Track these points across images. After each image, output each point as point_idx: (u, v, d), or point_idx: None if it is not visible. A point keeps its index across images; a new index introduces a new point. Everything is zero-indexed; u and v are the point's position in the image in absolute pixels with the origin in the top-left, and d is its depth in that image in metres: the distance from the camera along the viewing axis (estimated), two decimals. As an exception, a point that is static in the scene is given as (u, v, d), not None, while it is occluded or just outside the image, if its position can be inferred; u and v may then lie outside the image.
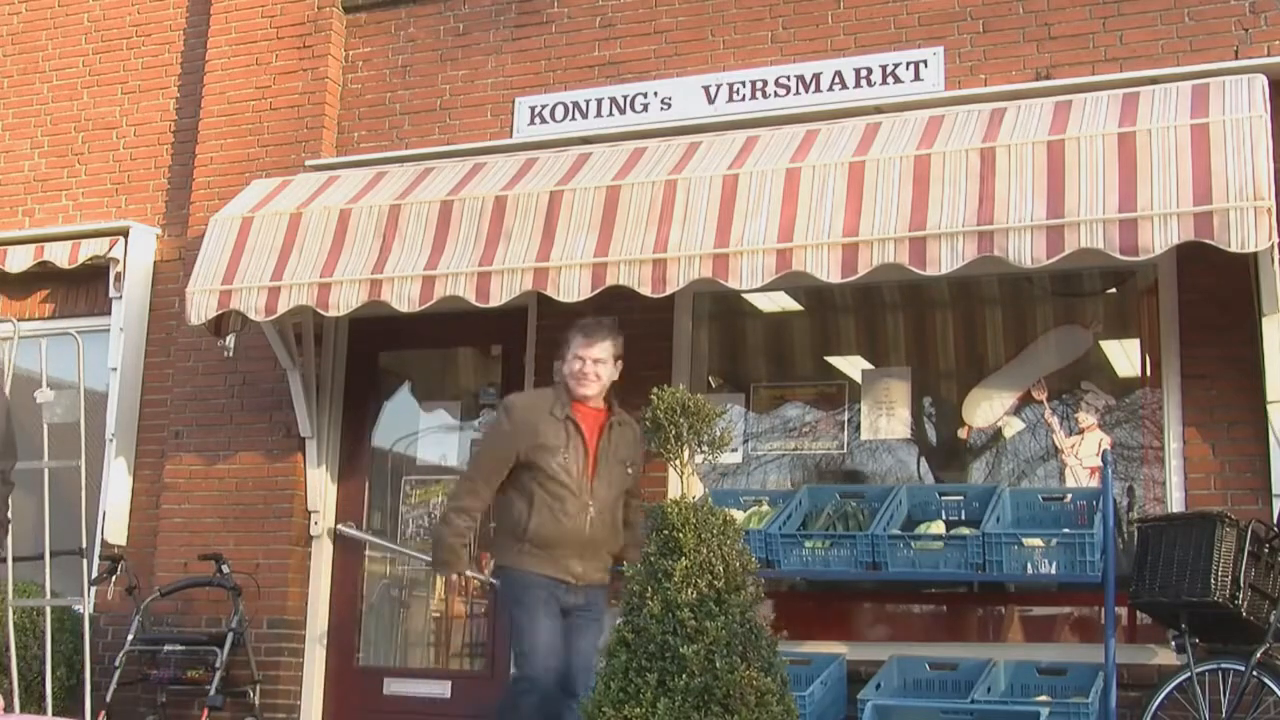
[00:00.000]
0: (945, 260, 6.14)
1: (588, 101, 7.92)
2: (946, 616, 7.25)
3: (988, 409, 7.21)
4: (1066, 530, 6.28)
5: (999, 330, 7.40)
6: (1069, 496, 6.67)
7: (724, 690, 4.67)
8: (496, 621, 7.81)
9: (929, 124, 6.68)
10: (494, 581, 7.63)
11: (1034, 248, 6.02)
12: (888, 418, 7.33)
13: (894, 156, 6.43)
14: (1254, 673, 5.76)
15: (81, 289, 9.27)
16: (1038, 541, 6.21)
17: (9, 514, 6.27)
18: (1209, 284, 6.62)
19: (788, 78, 7.52)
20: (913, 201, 6.28)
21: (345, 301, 7.20)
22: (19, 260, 9.08)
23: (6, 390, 6.92)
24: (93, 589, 8.00)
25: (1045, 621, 7.04)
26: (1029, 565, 6.20)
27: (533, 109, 8.06)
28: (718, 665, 4.70)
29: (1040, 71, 7.10)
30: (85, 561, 7.57)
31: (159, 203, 9.20)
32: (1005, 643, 6.94)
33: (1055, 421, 7.07)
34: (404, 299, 7.07)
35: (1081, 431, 7.01)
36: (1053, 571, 6.19)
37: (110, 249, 8.89)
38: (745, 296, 7.56)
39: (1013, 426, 7.16)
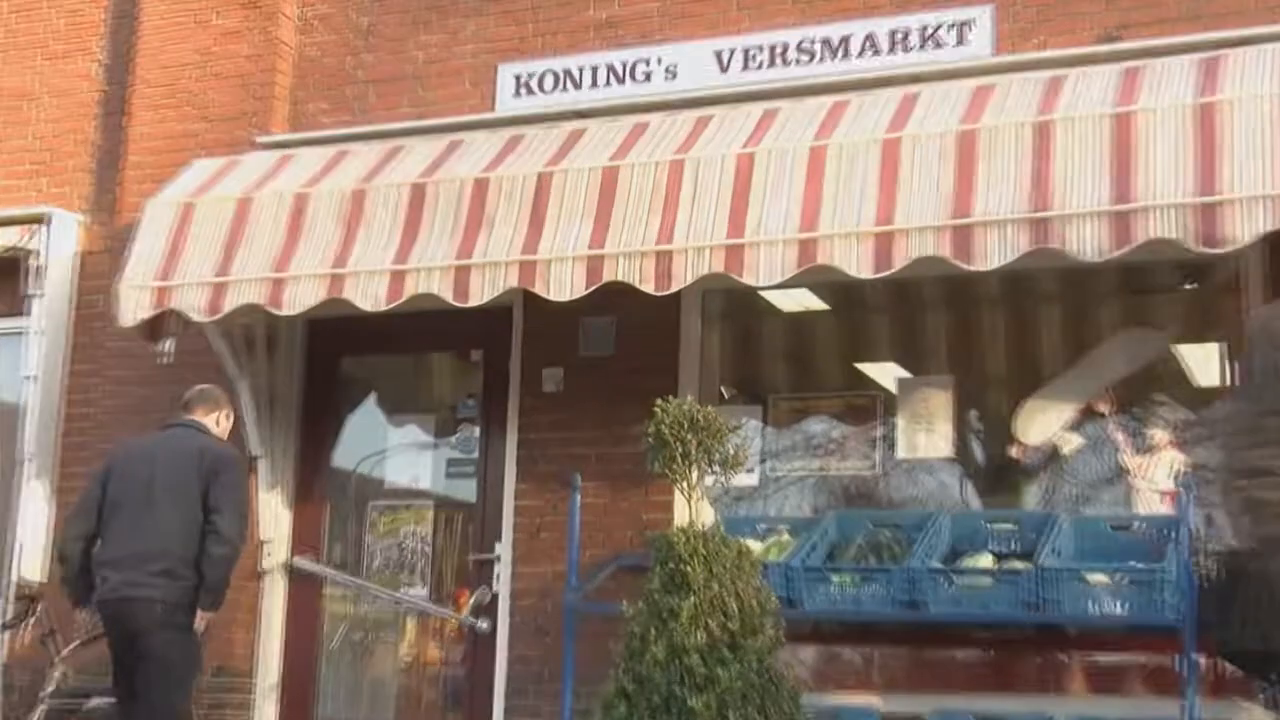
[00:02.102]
0: (994, 253, 6.19)
1: (581, 69, 7.99)
2: (996, 664, 7.29)
3: (1044, 424, 7.26)
4: (1137, 564, 6.32)
5: (1056, 333, 7.46)
6: (1139, 525, 6.72)
7: (739, 748, 4.74)
8: (476, 669, 7.88)
9: (975, 95, 6.74)
10: (474, 622, 7.74)
11: (1098, 238, 6.07)
12: (927, 433, 7.39)
13: (934, 133, 6.50)
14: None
15: (-10, 285, 9.34)
16: (1103, 577, 6.25)
17: None
18: (1301, 279, 6.68)
19: (812, 41, 7.60)
20: (956, 185, 6.34)
21: (301, 300, 7.28)
22: (-83, 253, 9.15)
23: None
24: (4, 634, 8.05)
25: (1112, 671, 7.07)
26: (1093, 605, 6.23)
27: (518, 78, 8.14)
28: None
29: (1107, 33, 7.15)
30: (-4, 602, 7.63)
31: (84, 185, 9.27)
32: (1065, 695, 6.97)
33: (1122, 438, 7.13)
34: (369, 297, 7.14)
35: (1153, 450, 7.06)
36: (1121, 612, 6.22)
37: (26, 239, 8.96)
38: (762, 294, 7.62)
39: (1073, 444, 7.22)
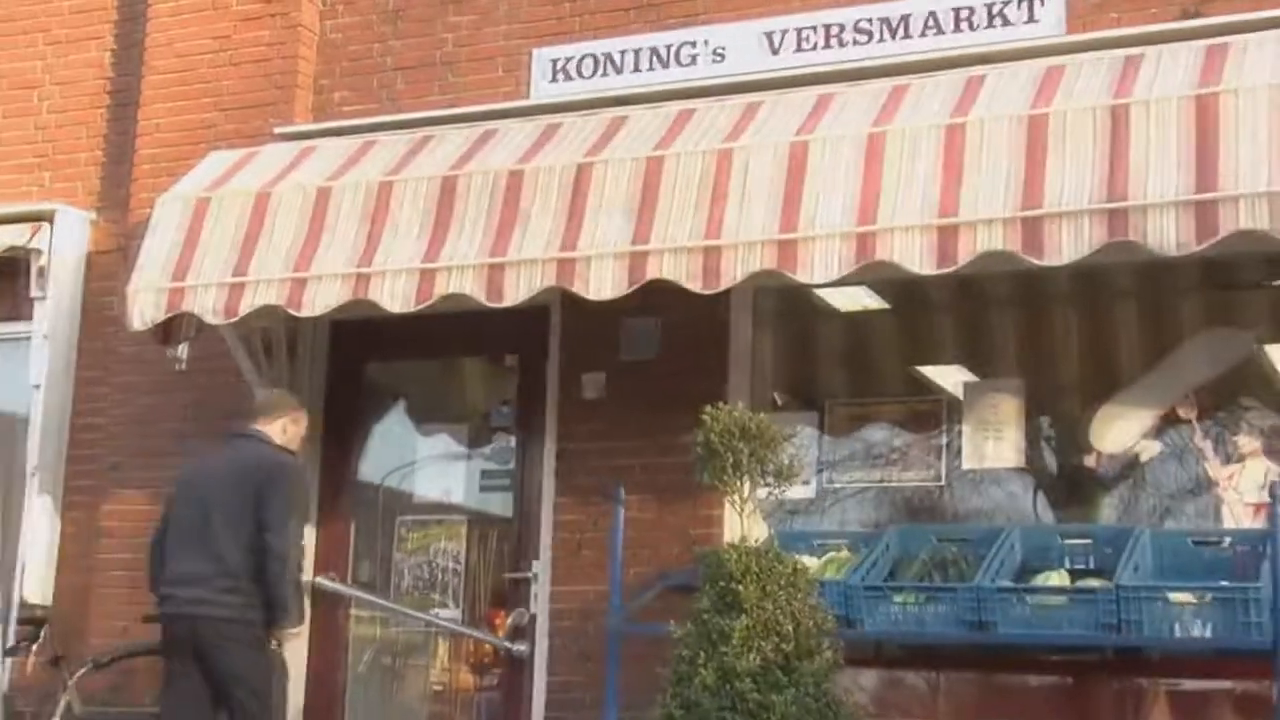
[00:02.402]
0: (1066, 246, 6.19)
1: (622, 53, 8.03)
2: (1072, 690, 7.28)
3: (1121, 431, 7.26)
4: (1224, 583, 6.30)
5: (1134, 333, 7.45)
6: (1227, 540, 6.71)
7: (795, 779, 4.77)
8: (511, 696, 7.92)
9: (1046, 76, 6.74)
10: (510, 645, 7.78)
11: (1179, 230, 6.05)
12: (995, 442, 7.39)
13: (1002, 117, 6.50)
14: None
15: (-6, 288, 9.44)
16: (1187, 597, 6.24)
17: None
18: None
19: (869, 21, 7.61)
20: (1025, 174, 6.34)
21: (324, 301, 7.34)
22: (-87, 253, 9.22)
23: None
24: (8, 660, 8.13)
25: (1198, 698, 7.05)
26: (1176, 626, 6.22)
27: (554, 63, 8.19)
28: (787, 748, 4.79)
29: (1187, 8, 7.14)
30: (0, 626, 7.68)
31: (92, 180, 9.37)
32: (1147, 723, 7.00)
33: (1208, 446, 7.12)
34: (396, 297, 7.20)
35: (1242, 459, 7.05)
36: (1207, 634, 6.21)
37: (31, 238, 9.05)
38: (817, 293, 7.64)
39: (1153, 452, 7.21)
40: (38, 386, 8.98)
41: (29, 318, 9.14)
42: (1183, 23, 7.02)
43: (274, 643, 7.13)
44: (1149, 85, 6.40)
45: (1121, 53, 6.79)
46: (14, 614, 8.63)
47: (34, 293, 9.06)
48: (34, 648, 8.32)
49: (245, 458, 7.25)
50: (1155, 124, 6.23)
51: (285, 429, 7.41)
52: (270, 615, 7.04)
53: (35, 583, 8.80)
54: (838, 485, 7.67)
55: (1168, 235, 6.05)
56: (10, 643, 8.22)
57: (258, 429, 7.36)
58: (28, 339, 9.09)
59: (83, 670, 8.11)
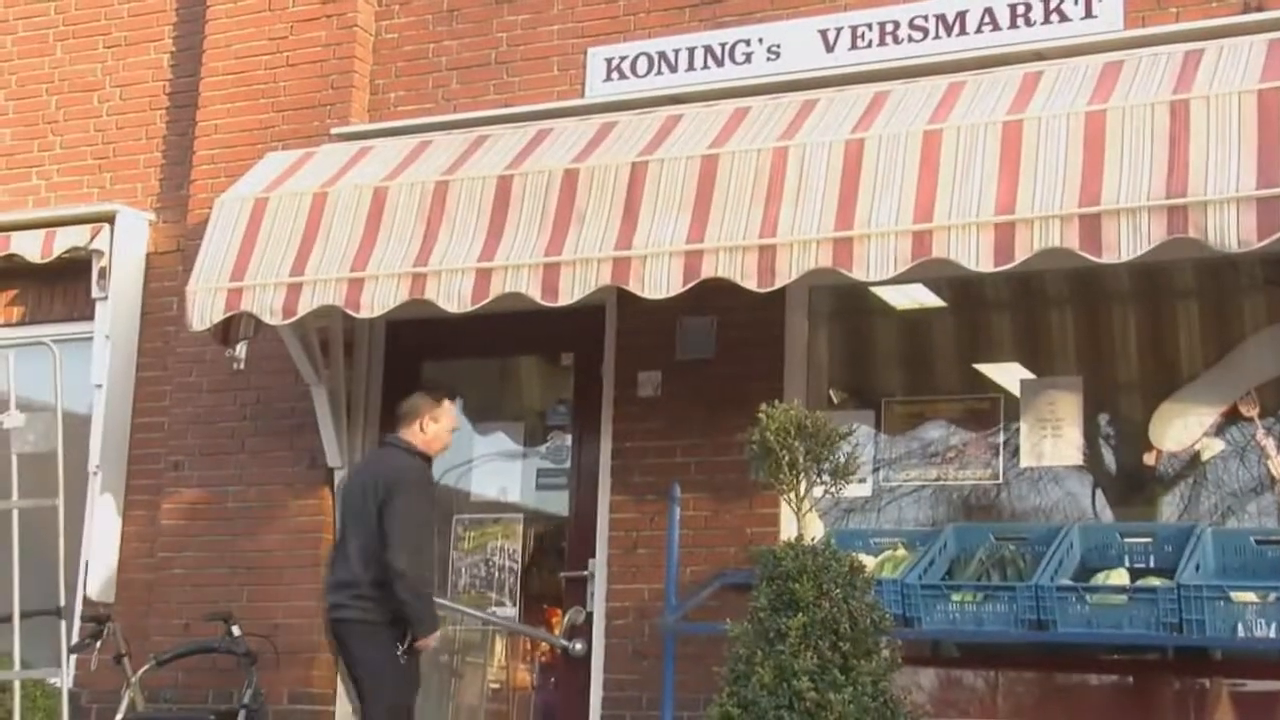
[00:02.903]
0: (1126, 243, 6.15)
1: (677, 51, 8.03)
2: (1133, 690, 7.25)
3: (1182, 429, 7.21)
4: (1288, 582, 6.29)
5: (1195, 330, 7.40)
6: (1290, 539, 6.68)
7: (853, 779, 4.75)
8: (568, 695, 7.93)
9: (1104, 72, 6.71)
10: (567, 644, 7.79)
11: (1240, 226, 6.00)
12: (1054, 439, 7.35)
13: (1060, 114, 6.46)
14: None
15: (58, 289, 9.53)
16: (1251, 596, 6.20)
17: None
18: None
19: (925, 18, 7.57)
20: (1084, 170, 6.30)
21: (381, 301, 7.37)
22: (-22, 255, 9.32)
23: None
24: (73, 657, 8.20)
25: (1264, 700, 7.00)
26: (1240, 626, 6.19)
27: (609, 61, 8.19)
28: (845, 747, 4.78)
29: (1249, 2, 7.08)
30: (64, 624, 7.72)
31: (151, 182, 9.44)
32: (1209, 724, 6.95)
33: (1271, 444, 7.06)
34: (453, 297, 7.22)
35: (1305, 457, 7.01)
36: (1271, 635, 6.17)
37: (92, 239, 9.13)
38: (874, 291, 7.62)
39: (1214, 450, 7.16)
40: (99, 386, 9.05)
41: (91, 318, 9.22)
42: (1243, 17, 6.96)
43: (401, 650, 7.10)
44: (1209, 80, 6.36)
45: (1181, 48, 6.75)
46: (78, 612, 8.70)
47: (95, 293, 9.15)
48: (98, 645, 8.38)
49: (378, 468, 7.31)
50: (1215, 119, 6.18)
51: (424, 428, 7.38)
52: (405, 625, 7.10)
53: (98, 581, 8.88)
54: (894, 484, 7.65)
55: (1229, 232, 6.00)
56: (74, 640, 8.28)
57: (398, 436, 7.38)
58: (90, 339, 9.17)
59: (146, 667, 8.19)
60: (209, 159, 9.00)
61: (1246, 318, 7.31)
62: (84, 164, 9.65)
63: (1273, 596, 6.16)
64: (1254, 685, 6.99)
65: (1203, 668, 7.00)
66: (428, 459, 7.39)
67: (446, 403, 7.45)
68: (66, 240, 9.14)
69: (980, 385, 7.66)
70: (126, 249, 9.18)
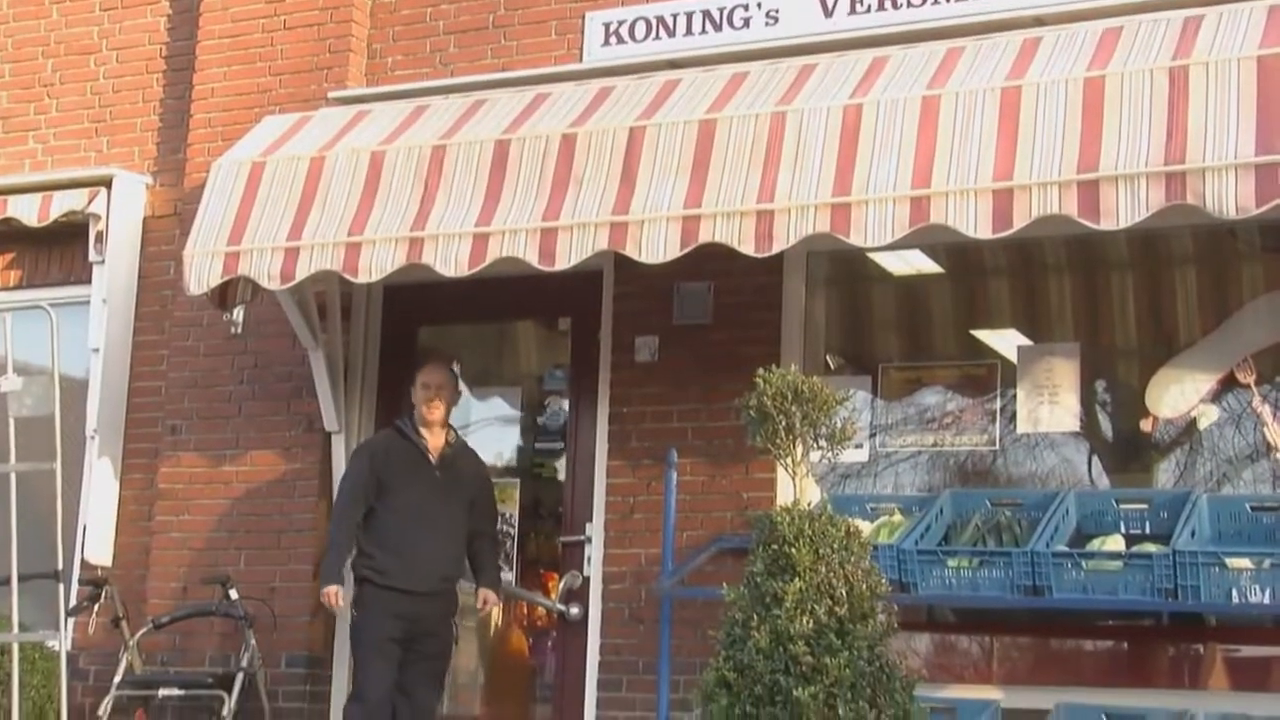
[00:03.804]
0: (1124, 210, 6.14)
1: (675, 15, 7.99)
2: (1128, 656, 7.27)
3: (1178, 395, 7.21)
4: (1283, 548, 6.30)
5: (1192, 297, 7.40)
6: (1285, 506, 6.68)
7: (848, 742, 4.76)
8: (565, 658, 7.95)
9: (1103, 37, 6.68)
10: (564, 608, 7.81)
11: (1239, 193, 5.98)
12: (1050, 406, 7.35)
13: (1059, 79, 6.44)
14: None
15: (54, 252, 9.52)
16: (1245, 562, 6.21)
17: None
18: None
19: (925, -18, 7.56)
20: (1082, 136, 6.28)
21: (378, 265, 7.35)
22: (-27, 218, 9.29)
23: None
24: (71, 620, 8.21)
25: (1257, 664, 7.02)
26: (1234, 592, 6.20)
27: (607, 26, 8.15)
28: (840, 713, 4.79)
29: (1248, -33, 7.05)
30: (61, 587, 7.73)
31: (148, 145, 9.42)
32: (1204, 690, 6.94)
33: (1267, 411, 7.06)
34: (450, 261, 7.20)
35: (1300, 424, 7.01)
36: (1265, 601, 6.18)
37: (89, 203, 9.11)
38: (871, 257, 7.62)
39: (1210, 417, 7.16)
40: (97, 350, 9.05)
41: (88, 282, 9.21)
42: (1243, -18, 6.92)
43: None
44: (1209, 46, 6.33)
45: (1180, 13, 6.71)
46: (76, 575, 8.71)
47: (92, 257, 9.13)
48: (95, 608, 8.41)
49: None
50: (1215, 86, 6.16)
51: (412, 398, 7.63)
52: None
53: (96, 544, 8.88)
54: (891, 449, 7.66)
55: (1227, 198, 5.99)
56: (72, 604, 8.29)
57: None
58: (87, 303, 9.16)
59: (143, 630, 8.21)
60: (206, 123, 8.97)
61: (1244, 285, 7.30)
62: (80, 127, 9.62)
63: (1267, 562, 6.16)
64: (1248, 651, 7.00)
65: (1197, 633, 7.02)
66: (415, 428, 7.52)
67: (420, 374, 7.63)
68: (63, 204, 9.11)
69: (977, 351, 7.66)
70: (123, 213, 9.16)
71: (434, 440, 7.54)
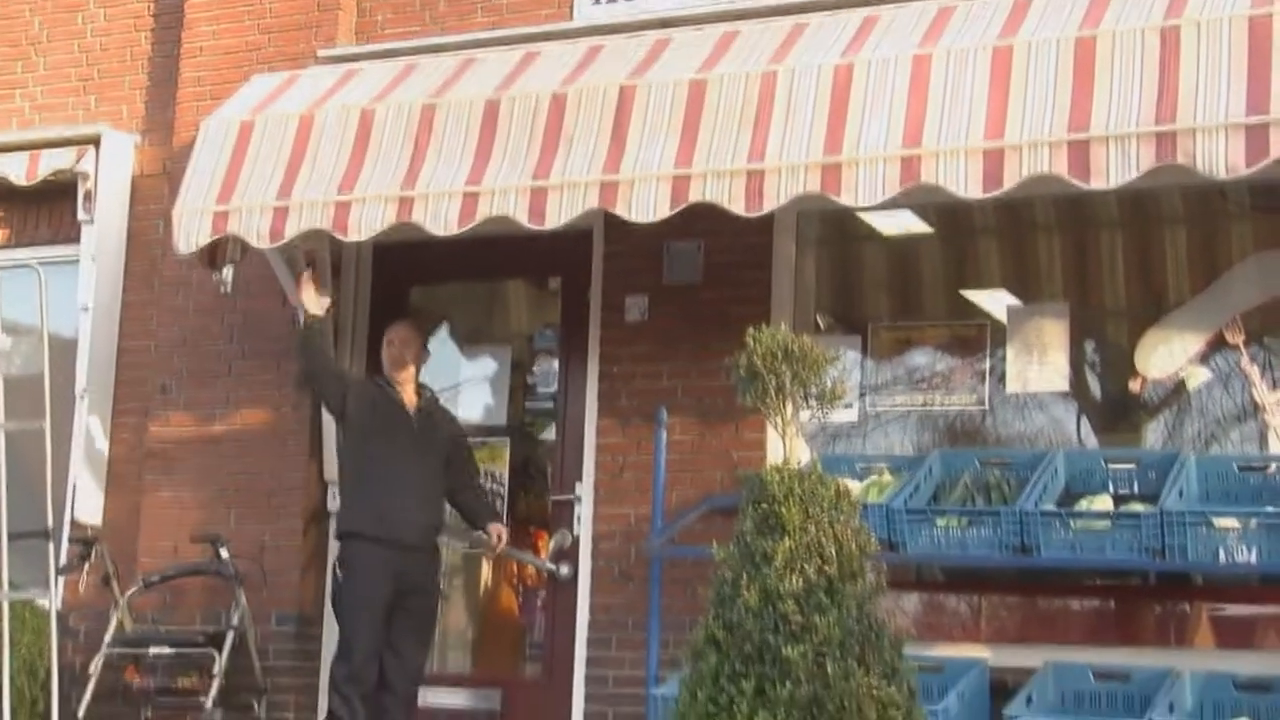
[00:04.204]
0: (1114, 169, 6.14)
1: (666, -26, 7.98)
2: (1115, 614, 7.31)
3: (1167, 355, 7.23)
4: (1270, 508, 6.28)
5: (1182, 257, 7.40)
6: (1273, 466, 6.69)
7: (836, 701, 4.78)
8: (555, 617, 7.98)
9: (1095, -4, 6.68)
10: (554, 567, 7.83)
11: (1229, 153, 5.99)
12: (1039, 366, 7.37)
13: (1050, 38, 6.43)
14: None
15: (43, 211, 9.49)
16: (1232, 522, 6.22)
17: None
18: None
19: (916, -60, 7.53)
20: (1073, 95, 6.28)
21: (368, 224, 7.34)
22: (-39, 177, 9.26)
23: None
24: (61, 579, 8.22)
25: (1243, 623, 7.07)
26: (1221, 552, 6.21)
27: (598, -16, 8.14)
28: (829, 671, 4.80)
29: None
30: (51, 545, 7.75)
31: (137, 103, 9.39)
32: (1191, 648, 6.98)
33: (1255, 371, 7.08)
34: (440, 220, 7.19)
35: (1290, 384, 7.03)
36: (1252, 560, 6.20)
37: (77, 161, 9.07)
38: (862, 217, 7.61)
39: (1199, 377, 7.18)
40: (86, 309, 9.03)
41: (76, 240, 9.19)
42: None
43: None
44: (1200, 6, 6.31)
45: (1172, -28, 6.69)
46: (66, 534, 8.71)
47: (81, 215, 9.10)
48: (86, 567, 8.43)
49: None
50: (1206, 45, 6.15)
51: None
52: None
53: (86, 503, 8.89)
54: (881, 409, 7.68)
55: (1217, 158, 5.99)
56: (63, 562, 8.30)
57: None
58: (75, 261, 9.14)
59: (134, 589, 8.23)
60: (194, 81, 8.94)
61: (1233, 245, 7.31)
62: (68, 84, 9.59)
63: (1254, 522, 6.18)
64: (1234, 610, 7.05)
65: (1184, 592, 7.06)
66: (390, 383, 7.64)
67: (386, 331, 7.78)
68: (51, 162, 9.10)
69: (967, 311, 7.67)
70: (112, 171, 9.13)
71: (407, 396, 7.60)
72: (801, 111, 6.67)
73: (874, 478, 7.07)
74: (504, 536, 7.67)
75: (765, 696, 4.83)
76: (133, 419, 8.95)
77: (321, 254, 7.83)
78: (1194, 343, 7.20)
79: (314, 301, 7.65)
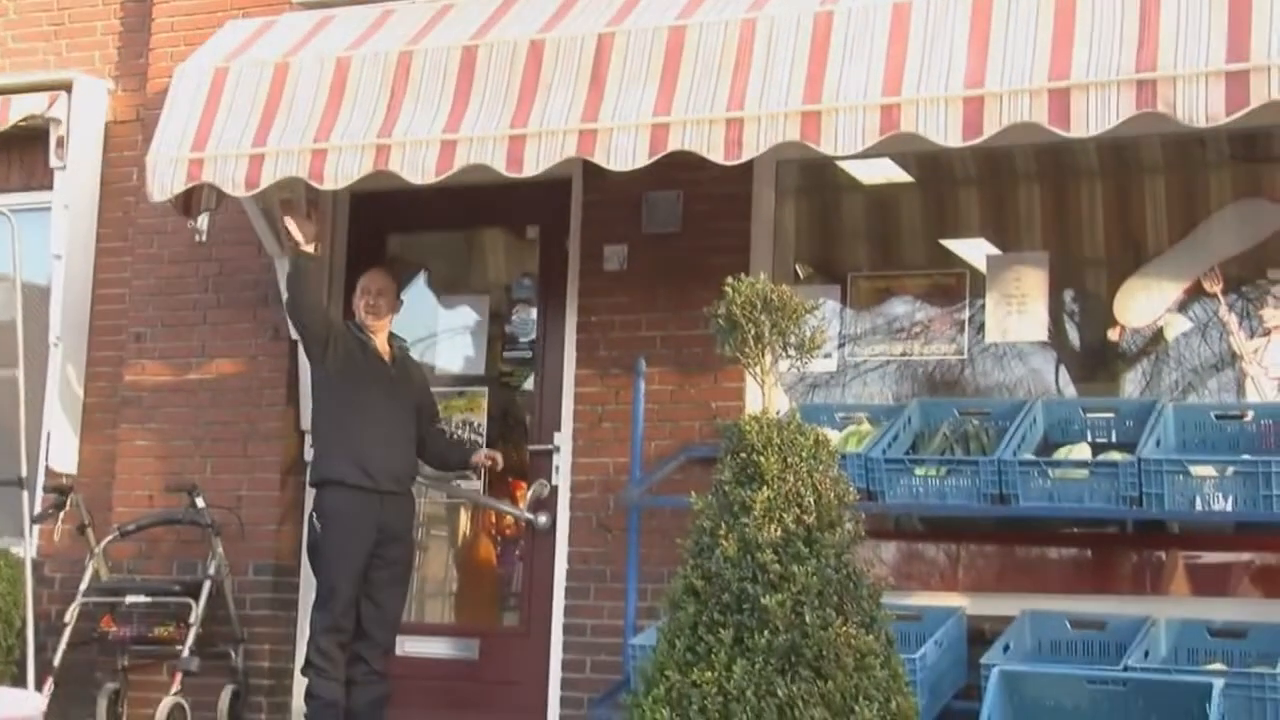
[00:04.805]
0: (1094, 117, 6.13)
1: (645, -82, 7.93)
2: (1092, 563, 7.35)
3: (1145, 304, 7.25)
4: (1246, 456, 6.32)
5: (1161, 206, 7.42)
6: (1250, 414, 6.72)
7: (815, 650, 4.81)
8: (533, 567, 8.00)
9: (1077, -57, 6.66)
10: (532, 517, 7.85)
11: (1209, 101, 5.97)
12: (1019, 315, 7.39)
13: (1031, -14, 6.43)
14: None
15: (14, 157, 9.46)
16: (1209, 470, 6.26)
17: None
18: None
19: (897, -114, 7.49)
20: (1054, 43, 6.26)
21: (344, 172, 7.31)
22: (-69, 123, 9.21)
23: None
24: (35, 528, 8.24)
25: (1218, 570, 7.12)
26: (1198, 500, 6.25)
27: (576, -71, 8.09)
28: (807, 620, 4.83)
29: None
30: (26, 494, 7.76)
31: (110, 49, 9.34)
32: (1167, 596, 7.02)
33: (1233, 320, 7.11)
34: (417, 168, 7.17)
35: (1268, 333, 7.04)
36: (1228, 508, 6.23)
37: (50, 107, 9.03)
38: (841, 165, 7.61)
39: (1177, 326, 7.21)
40: (59, 256, 9.01)
41: (49, 188, 9.16)
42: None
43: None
44: (1181, -48, 6.30)
45: (1153, -81, 6.68)
46: (40, 482, 8.71)
47: (53, 162, 9.07)
48: (61, 516, 8.43)
49: None
50: (1187, -7, 6.14)
51: None
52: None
53: (60, 452, 8.89)
54: (860, 358, 7.69)
55: (1197, 106, 5.97)
56: (37, 511, 8.30)
57: None
58: (48, 209, 9.11)
59: (109, 538, 8.24)
60: (168, 26, 8.89)
61: (1213, 193, 7.32)
62: (39, 30, 9.53)
63: (1230, 470, 6.21)
64: (1210, 557, 7.10)
65: (1161, 541, 7.11)
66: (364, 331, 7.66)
67: (359, 280, 7.80)
68: (22, 108, 9.05)
69: (947, 261, 7.68)
70: (85, 118, 9.09)
71: (381, 345, 7.62)
72: (781, 59, 6.64)
73: (853, 427, 7.10)
74: (498, 459, 7.73)
75: (743, 645, 4.85)
76: (107, 367, 8.94)
77: (298, 200, 7.78)
78: (1173, 291, 7.22)
79: (304, 234, 7.57)
